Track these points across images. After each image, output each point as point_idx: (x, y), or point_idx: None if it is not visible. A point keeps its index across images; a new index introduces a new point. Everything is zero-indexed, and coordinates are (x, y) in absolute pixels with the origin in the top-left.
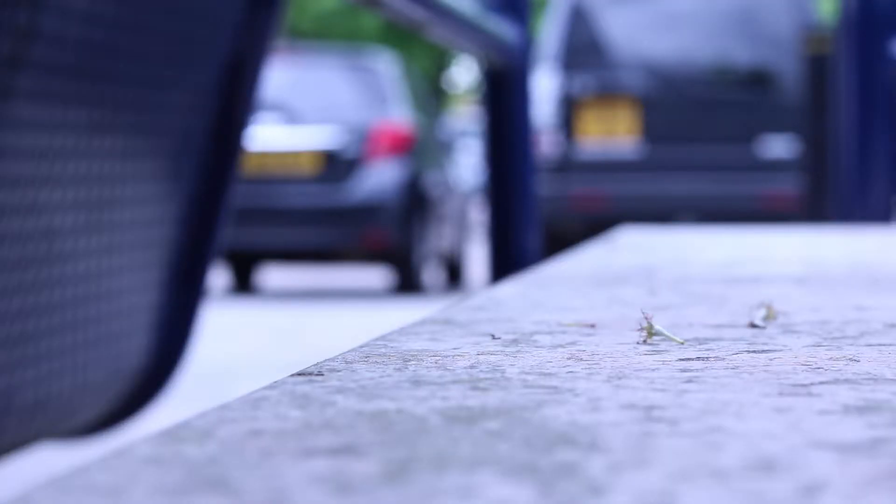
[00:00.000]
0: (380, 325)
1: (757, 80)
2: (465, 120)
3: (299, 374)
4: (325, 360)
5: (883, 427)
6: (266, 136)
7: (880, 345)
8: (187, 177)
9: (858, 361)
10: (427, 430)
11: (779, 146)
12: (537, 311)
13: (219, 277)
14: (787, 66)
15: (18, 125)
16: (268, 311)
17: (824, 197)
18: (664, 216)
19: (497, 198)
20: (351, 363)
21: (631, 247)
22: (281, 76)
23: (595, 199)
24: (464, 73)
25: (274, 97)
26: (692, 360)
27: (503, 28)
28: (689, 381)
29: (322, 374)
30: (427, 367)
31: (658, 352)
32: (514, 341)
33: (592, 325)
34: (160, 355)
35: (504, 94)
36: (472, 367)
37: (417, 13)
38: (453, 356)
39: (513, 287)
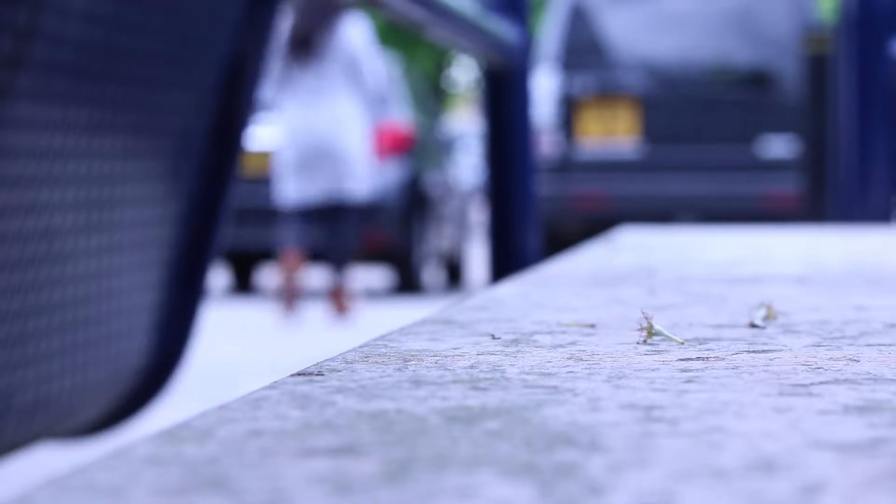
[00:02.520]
0: (380, 325)
1: (757, 80)
2: (465, 120)
3: (299, 374)
4: (325, 360)
5: (883, 427)
6: (266, 136)
7: (880, 345)
8: (187, 177)
9: (858, 361)
10: (427, 430)
11: (779, 146)
12: (537, 311)
13: (219, 277)
14: (787, 66)
15: (18, 125)
16: (268, 311)
17: (824, 197)
18: (664, 216)
19: (497, 198)
20: (351, 363)
21: (631, 247)
22: None
23: (595, 199)
24: (464, 73)
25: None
26: (692, 360)
27: (503, 28)
28: (689, 381)
29: (322, 374)
30: (427, 367)
31: (658, 352)
32: (514, 341)
33: (592, 325)
34: (160, 355)
35: (504, 94)
36: (472, 367)
37: (417, 13)
38: (453, 356)
39: (513, 287)
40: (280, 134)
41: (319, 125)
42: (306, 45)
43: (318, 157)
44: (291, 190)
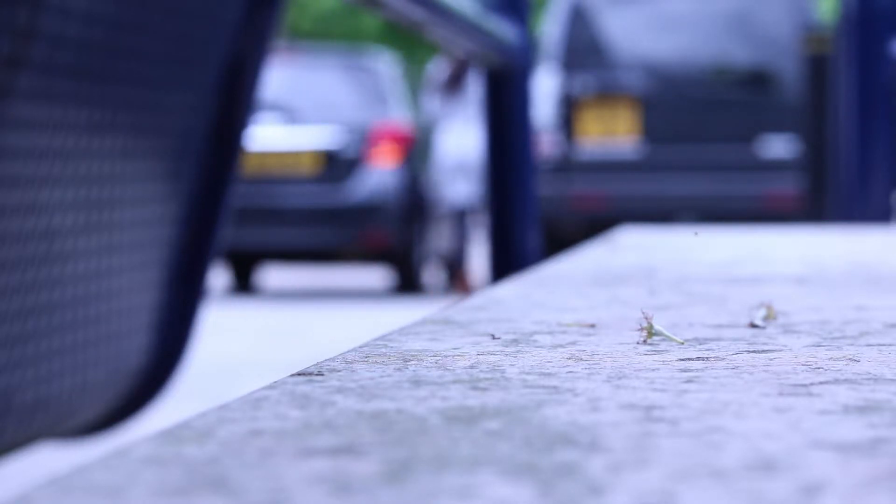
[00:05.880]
0: (380, 325)
1: (757, 80)
2: None
3: (299, 374)
4: (325, 360)
5: (883, 427)
6: (266, 136)
7: (880, 345)
8: (187, 177)
9: (858, 361)
10: (427, 430)
11: (779, 146)
12: (537, 311)
13: (219, 277)
14: (787, 66)
15: (18, 125)
16: (268, 311)
17: (824, 197)
18: (664, 216)
19: (497, 198)
20: (351, 363)
21: (631, 247)
22: (281, 76)
23: (595, 199)
24: None
25: (274, 97)
26: (692, 360)
27: (503, 28)
28: (689, 381)
29: (322, 374)
30: (427, 367)
31: (658, 352)
32: (514, 341)
33: (592, 325)
34: (160, 355)
35: (504, 94)
36: (472, 367)
37: (417, 13)
38: (453, 356)
39: (513, 287)
40: (444, 150)
41: (466, 145)
42: (456, 84)
43: (464, 170)
44: (450, 195)
